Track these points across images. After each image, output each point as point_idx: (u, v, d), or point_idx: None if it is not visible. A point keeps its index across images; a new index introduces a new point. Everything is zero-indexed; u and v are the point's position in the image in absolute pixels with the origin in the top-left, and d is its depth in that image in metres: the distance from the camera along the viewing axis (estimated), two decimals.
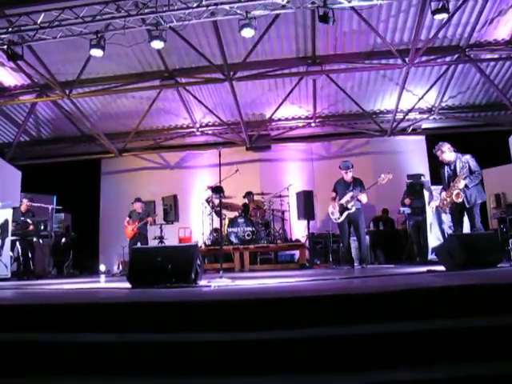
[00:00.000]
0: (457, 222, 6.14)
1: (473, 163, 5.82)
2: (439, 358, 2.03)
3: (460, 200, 5.74)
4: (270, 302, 2.52)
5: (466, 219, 6.05)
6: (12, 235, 8.31)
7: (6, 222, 7.88)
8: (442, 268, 4.76)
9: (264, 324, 2.35)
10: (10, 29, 7.46)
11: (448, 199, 5.93)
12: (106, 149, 12.56)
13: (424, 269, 5.00)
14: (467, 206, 5.77)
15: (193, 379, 2.05)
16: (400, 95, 10.43)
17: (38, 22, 7.36)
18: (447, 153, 6.01)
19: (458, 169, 5.89)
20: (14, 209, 8.28)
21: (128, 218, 9.61)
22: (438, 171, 6.39)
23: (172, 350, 2.17)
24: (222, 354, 2.11)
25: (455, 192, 5.75)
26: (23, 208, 8.93)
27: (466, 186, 5.73)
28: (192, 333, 2.31)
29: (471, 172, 5.77)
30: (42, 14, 7.33)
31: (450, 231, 7.18)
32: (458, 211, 6.01)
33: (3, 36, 7.56)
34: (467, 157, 5.87)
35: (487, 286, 2.58)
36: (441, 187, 6.39)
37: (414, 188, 8.55)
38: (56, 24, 7.33)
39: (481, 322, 2.23)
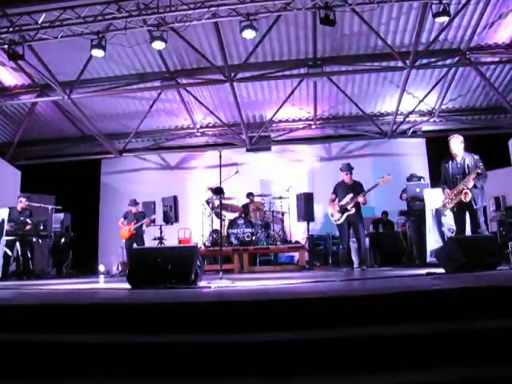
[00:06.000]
0: (460, 223, 5.86)
1: (482, 164, 5.63)
2: (439, 360, 2.03)
3: (468, 199, 5.52)
4: (270, 304, 2.52)
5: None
6: (10, 235, 8.31)
7: (3, 222, 7.86)
8: (441, 270, 4.76)
9: (264, 326, 2.35)
10: (11, 28, 7.46)
11: (455, 198, 5.69)
12: (106, 149, 12.56)
13: (423, 271, 5.00)
14: (475, 206, 5.58)
15: (192, 380, 2.05)
16: (400, 97, 10.45)
17: (40, 21, 7.37)
18: (460, 145, 5.85)
19: (465, 167, 5.70)
20: (10, 208, 8.25)
21: (123, 219, 9.63)
22: (439, 173, 6.26)
23: (172, 351, 2.17)
24: (221, 356, 2.11)
25: (464, 191, 5.54)
26: (19, 207, 8.90)
27: (474, 185, 5.55)
28: (192, 334, 2.31)
29: (479, 173, 5.57)
30: (44, 14, 7.35)
31: (449, 234, 7.16)
32: (461, 211, 5.78)
33: (4, 35, 7.57)
34: (478, 157, 5.71)
35: (486, 288, 2.58)
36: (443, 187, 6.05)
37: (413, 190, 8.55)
38: (57, 24, 7.34)
39: (480, 325, 2.23)
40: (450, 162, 5.94)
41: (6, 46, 7.68)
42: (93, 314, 2.58)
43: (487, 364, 1.98)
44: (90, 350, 2.21)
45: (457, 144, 5.91)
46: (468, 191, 5.54)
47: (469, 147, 6.11)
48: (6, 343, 2.30)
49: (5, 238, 7.85)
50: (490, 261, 4.67)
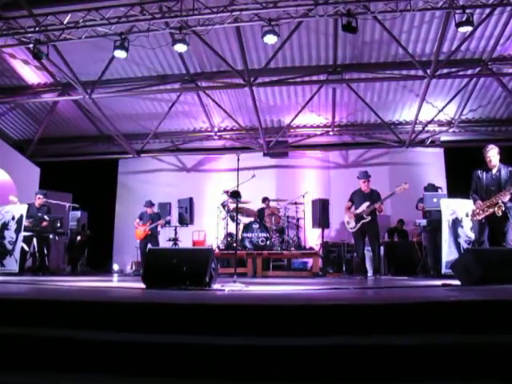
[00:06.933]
0: (485, 236, 5.60)
1: None
2: (452, 372, 2.01)
3: (501, 213, 5.32)
4: (284, 309, 2.52)
5: None
6: (28, 231, 8.43)
7: (21, 217, 7.99)
8: (457, 282, 4.70)
9: (277, 330, 2.35)
10: (37, 28, 7.60)
11: (487, 210, 5.46)
12: (124, 149, 12.65)
13: (439, 282, 4.94)
14: (511, 220, 5.38)
15: (204, 381, 2.06)
16: (420, 107, 10.37)
17: (65, 22, 7.51)
18: (497, 156, 5.61)
19: (501, 179, 5.52)
20: (28, 205, 8.38)
21: (138, 220, 9.72)
22: (457, 184, 6.12)
23: (185, 351, 2.18)
24: (233, 359, 2.11)
25: (499, 204, 5.33)
26: (37, 203, 9.02)
27: (511, 198, 5.35)
28: (205, 336, 2.32)
29: None
30: (69, 15, 7.48)
31: (465, 245, 7.07)
32: (490, 223, 5.53)
33: (30, 35, 7.72)
34: None
35: (502, 302, 2.55)
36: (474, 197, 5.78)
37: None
38: (82, 25, 7.47)
39: (496, 339, 2.20)
40: (484, 173, 5.70)
41: (31, 45, 7.84)
42: (108, 312, 2.60)
43: (502, 379, 1.96)
44: (102, 348, 2.23)
45: (495, 154, 5.66)
46: (502, 205, 5.35)
47: None
48: (16, 337, 2.34)
49: (23, 233, 7.99)
50: (508, 275, 4.59)
